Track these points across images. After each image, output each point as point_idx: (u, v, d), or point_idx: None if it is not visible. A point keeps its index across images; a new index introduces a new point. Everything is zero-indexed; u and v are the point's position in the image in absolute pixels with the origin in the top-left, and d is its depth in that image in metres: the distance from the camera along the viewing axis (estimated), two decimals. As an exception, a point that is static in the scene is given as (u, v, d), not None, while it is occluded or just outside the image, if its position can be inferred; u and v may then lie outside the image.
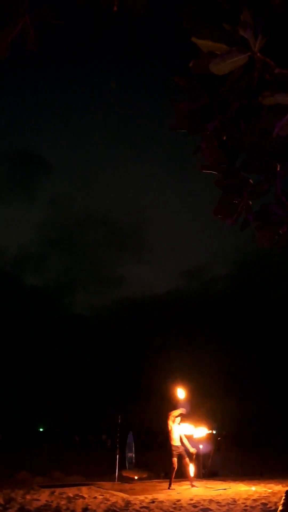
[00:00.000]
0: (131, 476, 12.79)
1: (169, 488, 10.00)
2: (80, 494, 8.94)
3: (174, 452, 10.21)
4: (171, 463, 10.25)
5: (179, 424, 10.39)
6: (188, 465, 10.31)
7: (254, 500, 8.34)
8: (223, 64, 1.92)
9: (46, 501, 8.10)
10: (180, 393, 10.76)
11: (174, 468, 10.26)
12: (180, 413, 10.39)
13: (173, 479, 10.27)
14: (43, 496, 8.51)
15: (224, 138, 2.64)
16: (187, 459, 10.29)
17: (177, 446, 10.26)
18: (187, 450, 10.35)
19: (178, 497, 8.71)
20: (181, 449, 10.28)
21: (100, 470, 14.44)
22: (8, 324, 56.99)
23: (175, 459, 10.22)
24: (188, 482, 10.46)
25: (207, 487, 10.38)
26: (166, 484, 10.52)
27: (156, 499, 8.52)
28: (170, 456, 10.28)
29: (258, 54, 1.95)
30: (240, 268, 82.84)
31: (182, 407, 10.53)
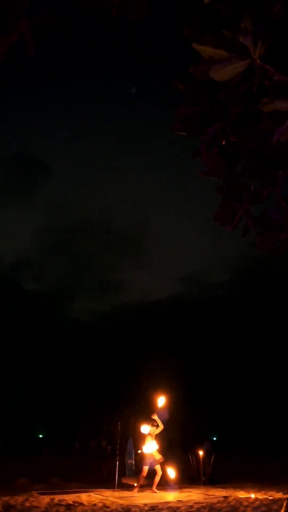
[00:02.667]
0: (131, 483, 12.69)
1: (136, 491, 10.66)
2: (80, 501, 8.88)
3: (147, 460, 10.73)
4: (141, 470, 10.88)
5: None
6: (159, 473, 10.84)
7: (255, 507, 8.28)
8: (223, 70, 1.93)
9: (45, 508, 8.05)
10: (160, 401, 11.41)
11: (143, 475, 10.90)
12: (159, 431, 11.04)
13: (140, 485, 10.94)
14: (42, 503, 8.46)
15: (224, 143, 2.65)
16: (158, 467, 10.79)
17: (150, 455, 10.78)
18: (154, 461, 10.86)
19: (178, 505, 8.65)
20: (153, 458, 10.82)
21: (99, 477, 14.35)
22: (6, 329, 56.90)
23: (146, 467, 10.75)
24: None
25: (207, 495, 10.31)
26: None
27: (156, 506, 8.47)
28: (142, 463, 10.91)
29: (258, 61, 1.96)
30: (240, 273, 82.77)
31: (160, 415, 11.21)
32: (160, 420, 11.11)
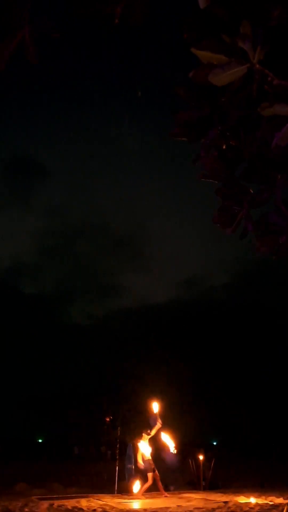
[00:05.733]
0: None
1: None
2: (79, 506, 8.84)
3: (148, 467, 10.73)
4: (146, 477, 10.80)
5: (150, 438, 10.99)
6: (158, 478, 10.81)
7: (255, 512, 8.25)
8: (222, 75, 1.94)
9: (45, 513, 8.01)
10: (154, 407, 11.34)
11: (150, 483, 10.80)
12: (156, 430, 11.04)
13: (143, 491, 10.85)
14: (42, 509, 8.42)
15: (224, 147, 2.66)
16: (156, 472, 10.79)
17: (147, 461, 10.77)
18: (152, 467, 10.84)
19: (177, 510, 8.61)
20: (152, 464, 10.82)
21: (99, 482, 14.29)
22: (4, 333, 56.78)
23: (150, 474, 10.74)
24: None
25: (207, 500, 10.26)
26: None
27: (156, 511, 8.43)
28: (146, 471, 10.81)
29: (257, 66, 1.97)
30: (239, 277, 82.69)
31: (153, 421, 11.19)
32: (152, 425, 11.15)
